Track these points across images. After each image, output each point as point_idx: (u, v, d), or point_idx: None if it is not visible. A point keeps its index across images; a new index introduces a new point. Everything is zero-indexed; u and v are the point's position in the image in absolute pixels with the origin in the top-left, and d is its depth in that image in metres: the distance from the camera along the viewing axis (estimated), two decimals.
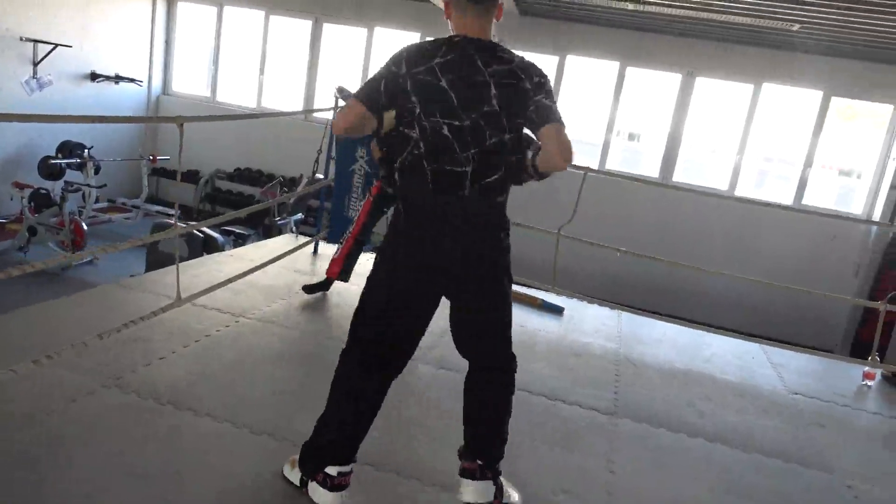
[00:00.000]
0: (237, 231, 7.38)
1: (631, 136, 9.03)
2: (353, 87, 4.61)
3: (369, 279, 2.13)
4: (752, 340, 4.52)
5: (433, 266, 2.02)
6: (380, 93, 1.96)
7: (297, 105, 9.50)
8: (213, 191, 9.85)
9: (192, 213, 9.57)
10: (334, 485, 2.09)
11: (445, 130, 1.94)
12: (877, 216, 7.59)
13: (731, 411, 3.52)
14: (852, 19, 5.97)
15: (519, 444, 2.78)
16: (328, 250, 5.12)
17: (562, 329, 4.40)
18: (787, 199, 8.06)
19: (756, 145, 8.22)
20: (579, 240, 4.47)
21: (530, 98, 1.95)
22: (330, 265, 3.88)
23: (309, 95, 9.55)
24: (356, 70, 9.13)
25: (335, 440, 2.11)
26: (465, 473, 2.20)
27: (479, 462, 2.19)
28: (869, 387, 4.17)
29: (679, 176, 8.37)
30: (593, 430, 3.08)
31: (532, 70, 2.00)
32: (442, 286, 2.07)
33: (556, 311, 4.66)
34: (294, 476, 2.20)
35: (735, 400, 3.68)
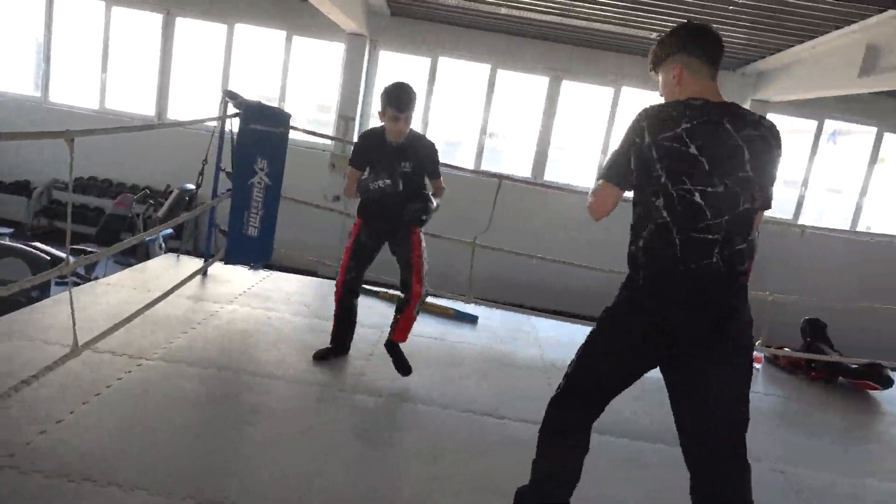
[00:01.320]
0: (87, 249, 6.53)
1: (497, 137, 9.22)
2: (238, 90, 4.26)
3: (589, 344, 2.10)
4: None
5: (668, 334, 1.91)
6: (630, 169, 1.92)
7: (148, 106, 8.61)
8: (51, 203, 8.67)
9: (24, 229, 8.36)
10: None
11: (697, 197, 1.86)
12: None
13: (659, 412, 3.65)
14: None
15: (492, 473, 2.69)
16: (222, 272, 4.67)
17: (481, 339, 4.34)
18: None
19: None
20: (495, 248, 4.44)
21: (773, 170, 1.94)
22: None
23: (162, 96, 8.71)
24: (216, 69, 8.46)
25: (552, 488, 2.19)
26: None
27: None
28: (757, 370, 4.55)
29: (549, 175, 8.68)
30: None
31: (779, 137, 1.95)
32: (674, 356, 1.95)
33: (471, 320, 4.60)
34: None
35: (652, 398, 3.82)
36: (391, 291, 4.79)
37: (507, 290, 7.24)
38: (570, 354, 4.16)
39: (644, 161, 1.89)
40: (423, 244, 3.37)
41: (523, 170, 8.68)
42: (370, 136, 3.36)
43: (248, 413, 2.89)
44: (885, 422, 4.11)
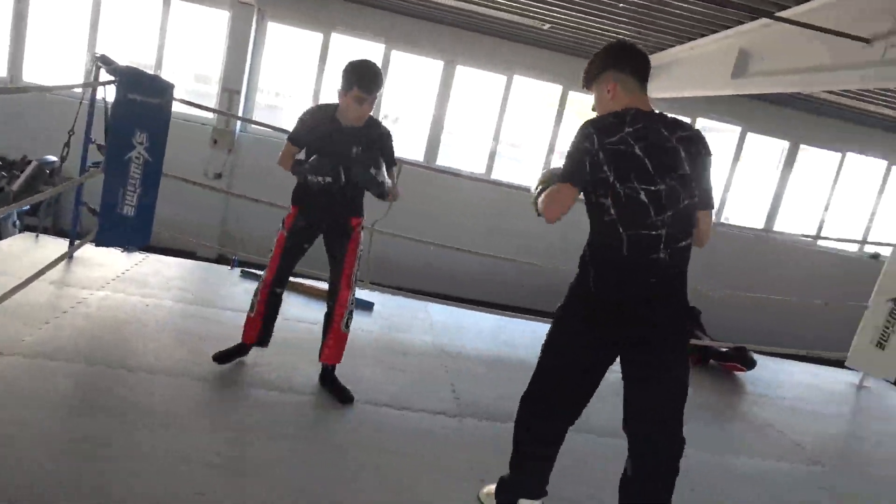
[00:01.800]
0: None
1: (395, 121, 9.08)
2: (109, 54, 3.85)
3: (548, 342, 2.20)
4: (540, 319, 4.88)
5: (620, 328, 2.05)
6: (586, 171, 1.99)
7: None
8: None
9: None
10: None
11: (642, 196, 1.97)
12: None
13: None
14: (591, 23, 6.72)
15: (399, 468, 2.63)
16: (91, 255, 4.23)
17: (378, 326, 4.25)
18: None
19: (508, 132, 8.88)
20: (395, 234, 4.34)
21: (706, 170, 2.08)
22: (245, 328, 3.18)
23: (16, 57, 7.78)
24: (81, 31, 7.67)
25: (526, 478, 2.35)
26: None
27: None
28: None
29: (441, 160, 8.67)
30: (452, 437, 3.03)
31: (706, 140, 2.10)
32: (626, 349, 2.10)
33: (366, 307, 4.50)
34: (489, 501, 2.47)
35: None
36: (307, 282, 4.57)
37: (403, 275, 7.18)
38: (462, 340, 4.25)
39: (594, 165, 1.99)
40: (361, 246, 3.09)
41: (417, 153, 8.61)
42: (321, 114, 2.95)
43: (126, 414, 2.63)
44: (749, 401, 4.47)
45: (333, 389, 3.10)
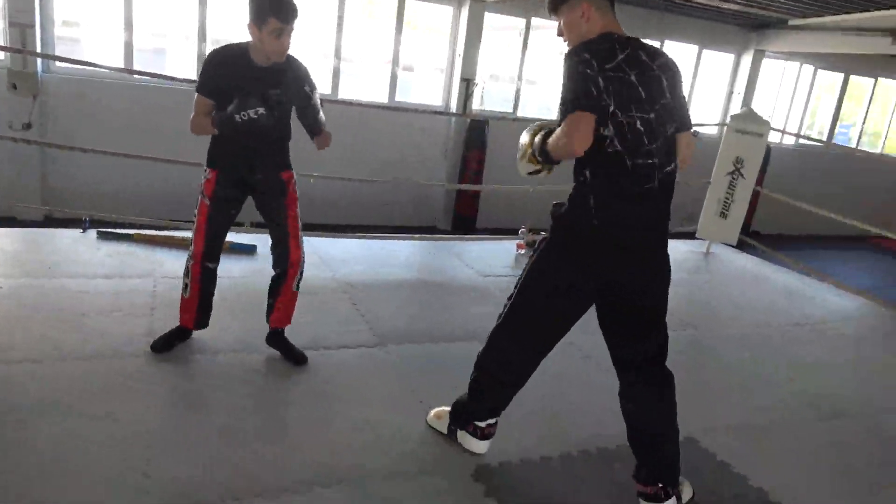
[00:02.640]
0: None
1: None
2: None
3: (534, 275, 2.12)
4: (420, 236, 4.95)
5: (620, 261, 2.01)
6: (600, 95, 1.89)
7: None
8: None
9: None
10: (484, 434, 2.38)
11: (638, 124, 1.93)
12: (452, 106, 8.79)
13: (469, 309, 3.84)
14: None
15: (333, 420, 2.59)
16: None
17: (266, 269, 4.04)
18: (383, 97, 8.68)
19: (348, 49, 8.50)
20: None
21: (682, 93, 2.07)
22: (181, 311, 2.88)
23: None
24: None
25: (486, 404, 2.35)
26: (650, 498, 2.17)
27: (661, 485, 2.17)
28: (521, 254, 5.04)
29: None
30: (381, 367, 3.03)
31: (677, 66, 2.08)
32: (616, 290, 2.06)
33: (248, 250, 4.25)
34: (440, 425, 2.49)
35: (452, 299, 4.02)
36: (150, 232, 4.17)
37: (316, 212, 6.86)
38: (361, 270, 4.20)
39: (594, 91, 1.89)
40: (298, 199, 2.82)
41: None
42: (228, 55, 2.58)
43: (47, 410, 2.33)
44: None
45: (285, 352, 2.95)
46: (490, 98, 8.98)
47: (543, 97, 9.67)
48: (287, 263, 2.83)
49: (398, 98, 8.67)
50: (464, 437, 2.42)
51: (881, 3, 7.14)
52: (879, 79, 10.70)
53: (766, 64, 9.85)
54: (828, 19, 8.23)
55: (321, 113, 2.73)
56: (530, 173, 2.18)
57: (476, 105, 8.73)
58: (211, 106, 2.57)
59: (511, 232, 5.84)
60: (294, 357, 2.93)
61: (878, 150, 11.32)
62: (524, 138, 2.16)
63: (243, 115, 2.46)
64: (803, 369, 3.64)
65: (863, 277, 8.15)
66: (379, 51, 8.73)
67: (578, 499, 2.29)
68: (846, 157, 10.42)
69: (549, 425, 2.69)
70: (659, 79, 1.99)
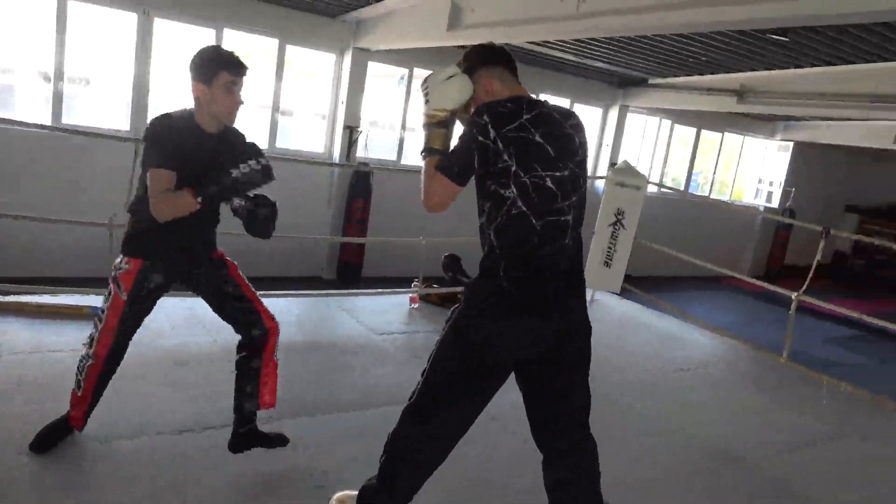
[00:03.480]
0: None
1: (86, 82, 7.66)
2: None
3: (450, 351, 1.99)
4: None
5: (537, 328, 1.94)
6: (472, 166, 1.93)
7: None
8: None
9: None
10: None
11: (549, 182, 1.92)
12: (335, 153, 8.65)
13: (368, 372, 3.65)
14: None
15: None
16: None
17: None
18: (263, 144, 8.38)
19: None
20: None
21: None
22: (72, 407, 2.45)
23: None
24: None
25: (398, 491, 2.09)
26: None
27: None
28: (415, 308, 4.93)
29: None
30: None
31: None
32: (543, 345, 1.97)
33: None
34: None
35: (348, 361, 3.81)
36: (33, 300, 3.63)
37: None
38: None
39: (491, 155, 1.90)
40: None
41: (120, 123, 7.43)
42: (179, 123, 2.25)
43: None
44: None
45: (265, 440, 2.59)
46: (373, 146, 8.92)
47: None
48: (267, 333, 2.47)
49: (278, 145, 8.41)
50: None
51: (728, 67, 7.94)
52: (726, 133, 11.87)
53: (631, 118, 10.59)
54: (682, 79, 9.03)
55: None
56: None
57: (360, 153, 8.64)
58: (173, 181, 2.19)
59: (400, 282, 5.73)
60: (275, 441, 2.61)
61: (727, 198, 12.45)
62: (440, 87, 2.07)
63: (243, 195, 2.27)
64: (692, 414, 3.77)
65: (724, 316, 8.82)
66: (257, 95, 8.45)
67: None
68: (700, 205, 11.35)
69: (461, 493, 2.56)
70: (571, 137, 2.01)
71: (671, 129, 11.24)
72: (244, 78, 2.27)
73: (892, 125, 9.36)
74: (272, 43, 8.08)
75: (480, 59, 2.09)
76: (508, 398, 2.13)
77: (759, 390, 4.37)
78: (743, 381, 4.54)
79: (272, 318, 2.51)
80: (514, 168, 1.89)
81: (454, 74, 2.06)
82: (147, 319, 2.48)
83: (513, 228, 1.92)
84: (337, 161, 8.59)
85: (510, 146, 1.89)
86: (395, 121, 9.12)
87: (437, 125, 2.07)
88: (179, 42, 7.68)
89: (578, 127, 2.06)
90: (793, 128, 11.71)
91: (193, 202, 2.17)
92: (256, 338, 2.47)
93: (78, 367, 2.44)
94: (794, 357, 4.68)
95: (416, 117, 9.33)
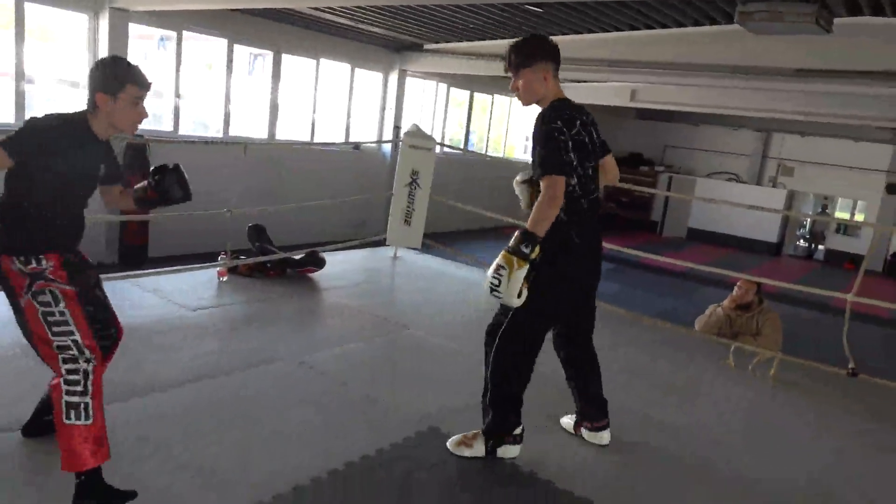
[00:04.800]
0: None
1: None
2: None
3: (542, 291, 2.55)
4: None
5: (593, 268, 2.78)
6: (569, 156, 2.54)
7: None
8: None
9: None
10: (518, 440, 2.77)
11: (590, 171, 2.66)
12: None
13: (194, 349, 3.54)
14: None
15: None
16: None
17: None
18: (8, 118, 7.31)
19: None
20: None
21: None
22: (82, 448, 2.09)
23: None
24: None
25: (516, 410, 2.76)
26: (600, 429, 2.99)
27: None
28: (226, 281, 4.83)
29: None
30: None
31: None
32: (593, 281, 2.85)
33: None
34: (477, 450, 2.74)
35: (168, 341, 3.67)
36: None
37: None
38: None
39: (566, 151, 2.52)
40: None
41: None
42: (70, 127, 2.20)
43: None
44: (330, 293, 5.06)
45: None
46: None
47: (198, 113, 9.26)
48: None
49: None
50: (505, 450, 2.74)
51: (493, 34, 8.64)
52: (496, 95, 12.88)
53: (410, 82, 11.03)
54: (455, 45, 9.62)
55: None
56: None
57: None
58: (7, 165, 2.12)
59: (197, 258, 5.51)
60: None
61: (501, 155, 13.59)
62: (523, 191, 2.85)
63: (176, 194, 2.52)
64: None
65: None
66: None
67: None
68: (479, 162, 12.28)
69: None
70: (591, 132, 2.67)
71: (448, 93, 11.92)
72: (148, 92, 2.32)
73: (628, 86, 10.98)
74: (7, 1, 7.01)
75: (544, 53, 2.59)
76: None
77: None
78: None
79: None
80: (575, 163, 2.55)
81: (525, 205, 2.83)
82: None
83: (571, 202, 2.57)
84: None
85: (574, 147, 2.53)
86: (167, 88, 8.49)
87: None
88: None
89: (593, 122, 2.71)
90: None
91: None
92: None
93: (74, 392, 2.11)
94: None
95: (190, 84, 8.78)
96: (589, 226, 2.67)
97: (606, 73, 8.60)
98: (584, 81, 10.76)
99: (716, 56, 7.27)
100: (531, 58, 2.58)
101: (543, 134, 2.50)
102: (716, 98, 10.66)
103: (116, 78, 2.22)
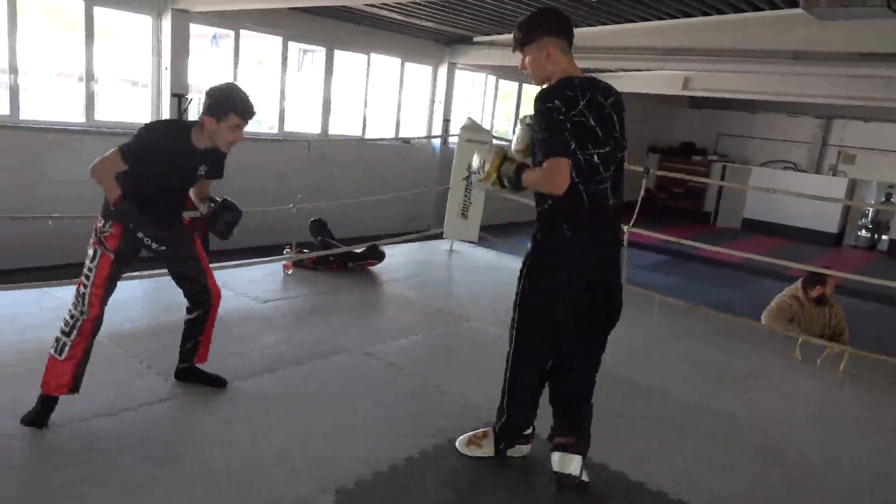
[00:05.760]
0: None
1: None
2: None
3: (535, 290, 2.43)
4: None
5: (595, 266, 2.38)
6: (570, 139, 2.24)
7: None
8: None
9: None
10: (528, 440, 2.72)
11: (595, 158, 2.29)
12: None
13: (261, 340, 3.70)
14: None
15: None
16: None
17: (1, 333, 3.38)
18: (78, 117, 7.65)
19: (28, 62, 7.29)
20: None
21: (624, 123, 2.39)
22: (52, 378, 2.59)
23: None
24: None
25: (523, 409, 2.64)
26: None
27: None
28: (291, 275, 4.98)
29: None
30: (200, 417, 2.78)
31: (623, 100, 2.41)
32: (600, 282, 2.41)
33: None
34: (486, 450, 2.71)
35: (239, 332, 3.83)
36: None
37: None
38: (126, 316, 3.74)
39: (568, 133, 2.24)
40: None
41: None
42: (174, 137, 2.66)
43: None
44: (392, 285, 5.16)
45: (206, 378, 3.05)
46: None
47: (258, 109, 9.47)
48: (211, 298, 2.93)
49: (97, 117, 7.74)
50: (516, 450, 2.72)
51: None
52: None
53: (459, 75, 11.06)
54: (505, 37, 9.60)
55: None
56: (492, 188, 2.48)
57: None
58: (122, 169, 2.58)
59: (253, 252, 5.67)
60: (214, 381, 3.05)
61: None
62: (484, 163, 2.43)
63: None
64: None
65: None
66: (61, 63, 7.67)
67: None
68: None
69: None
70: (610, 115, 2.34)
71: (497, 85, 11.91)
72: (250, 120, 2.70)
73: (679, 73, 10.77)
74: (77, 5, 7.33)
75: (547, 28, 2.34)
76: None
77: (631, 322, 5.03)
78: None
79: (218, 287, 2.97)
80: (573, 146, 2.25)
81: (484, 178, 2.43)
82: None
83: (568, 192, 2.27)
84: None
85: (573, 129, 2.24)
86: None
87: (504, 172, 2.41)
88: None
89: (616, 103, 2.37)
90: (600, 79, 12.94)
91: (116, 194, 2.57)
92: (200, 306, 2.95)
93: (64, 330, 2.60)
94: (629, 280, 5.43)
95: (244, 81, 9.00)
96: (593, 224, 2.37)
97: (660, 61, 8.46)
98: (637, 70, 10.61)
99: (775, 42, 7.08)
100: (533, 33, 2.35)
101: (540, 114, 2.29)
102: (774, 84, 10.37)
103: (223, 106, 2.61)
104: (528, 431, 2.71)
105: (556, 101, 2.25)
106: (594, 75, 2.46)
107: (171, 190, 2.75)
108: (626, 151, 2.46)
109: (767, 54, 7.39)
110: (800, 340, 4.35)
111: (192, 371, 3.05)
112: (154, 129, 2.72)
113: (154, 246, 2.67)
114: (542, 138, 2.29)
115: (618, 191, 2.42)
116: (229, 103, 2.62)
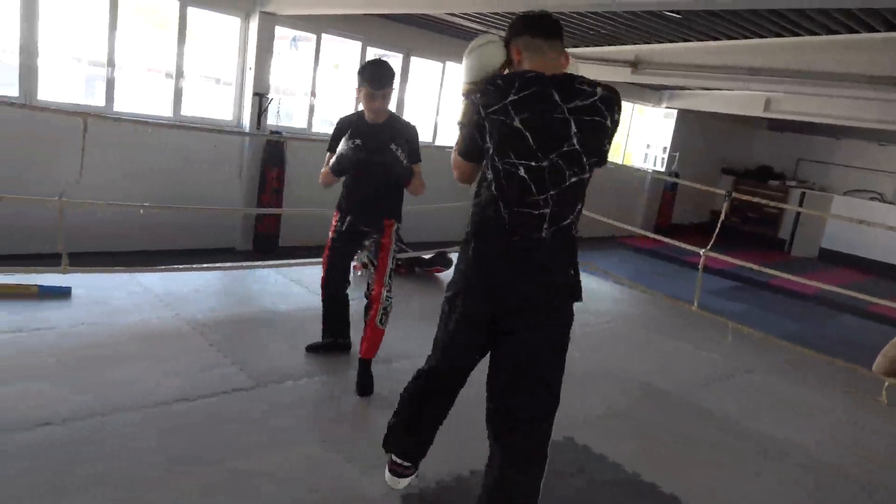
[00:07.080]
0: None
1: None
2: None
3: (441, 316, 2.10)
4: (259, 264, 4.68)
5: (497, 300, 1.91)
6: (477, 143, 1.90)
7: None
8: None
9: None
10: (395, 471, 2.30)
11: (521, 172, 1.83)
12: (245, 121, 8.42)
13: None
14: None
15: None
16: None
17: (95, 315, 3.54)
18: (167, 112, 7.98)
19: (123, 56, 7.67)
20: (91, 203, 3.57)
21: (603, 137, 1.87)
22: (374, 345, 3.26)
23: None
24: None
25: (397, 434, 2.26)
26: None
27: None
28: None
29: (45, 94, 7.08)
30: (266, 409, 2.85)
31: (613, 103, 1.87)
32: (504, 323, 1.94)
33: (62, 293, 3.68)
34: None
35: (314, 327, 3.89)
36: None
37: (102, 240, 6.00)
38: (204, 305, 3.87)
39: (481, 134, 1.90)
40: (394, 248, 3.21)
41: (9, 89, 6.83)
42: (346, 119, 3.24)
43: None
44: None
45: (359, 377, 3.24)
46: (282, 113, 8.75)
47: (332, 111, 9.69)
48: (370, 299, 3.20)
49: (183, 112, 8.05)
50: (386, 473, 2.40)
51: (624, 40, 8.47)
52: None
53: None
54: (581, 50, 9.51)
55: (401, 166, 3.10)
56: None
57: (272, 121, 8.45)
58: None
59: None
60: (361, 386, 3.21)
61: (619, 161, 13.30)
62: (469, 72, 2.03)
63: (347, 144, 2.99)
64: (626, 359, 4.20)
65: (626, 271, 9.55)
66: (152, 59, 8.03)
67: None
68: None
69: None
70: (565, 122, 1.80)
71: None
72: (385, 90, 3.05)
73: (761, 94, 10.41)
74: (172, 5, 7.66)
75: (516, 28, 1.98)
76: None
77: (677, 335, 4.91)
78: (660, 327, 5.07)
79: (381, 290, 3.19)
80: (491, 151, 1.86)
81: (484, 44, 2.01)
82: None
83: (485, 207, 1.91)
84: (247, 129, 8.36)
85: (492, 129, 1.84)
86: (305, 87, 8.97)
87: (465, 96, 2.00)
88: (66, 6, 7.15)
89: (586, 109, 1.82)
90: (677, 96, 12.64)
91: (329, 179, 3.17)
92: (368, 302, 3.22)
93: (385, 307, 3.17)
94: (701, 305, 5.26)
95: (325, 84, 9.22)
96: (506, 247, 1.88)
97: (745, 80, 8.20)
98: (718, 89, 10.32)
99: (869, 66, 6.76)
100: (508, 37, 2.01)
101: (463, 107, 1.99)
102: (863, 110, 9.89)
103: (358, 78, 3.06)
104: (399, 461, 2.30)
105: (476, 96, 1.90)
106: (610, 83, 1.95)
107: (353, 179, 3.24)
108: (592, 174, 1.93)
109: (861, 78, 7.06)
110: (886, 383, 4.10)
111: (360, 362, 3.26)
112: (338, 120, 3.30)
113: (356, 227, 3.26)
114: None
115: (561, 226, 1.88)
116: (361, 74, 3.05)
